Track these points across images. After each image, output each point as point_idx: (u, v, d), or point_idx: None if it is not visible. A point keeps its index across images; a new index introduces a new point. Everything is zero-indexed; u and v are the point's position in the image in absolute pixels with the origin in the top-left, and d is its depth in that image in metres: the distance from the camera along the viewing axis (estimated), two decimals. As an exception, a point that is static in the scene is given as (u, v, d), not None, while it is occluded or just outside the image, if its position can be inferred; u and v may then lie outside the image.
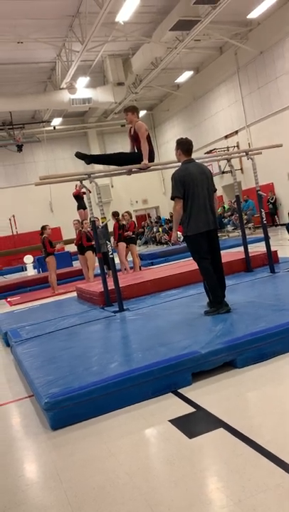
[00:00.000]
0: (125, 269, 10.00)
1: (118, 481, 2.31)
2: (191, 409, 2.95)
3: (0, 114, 18.61)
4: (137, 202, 26.01)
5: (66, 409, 3.03)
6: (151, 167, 5.99)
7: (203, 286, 4.78)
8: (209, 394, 3.14)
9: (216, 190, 4.85)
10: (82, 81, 17.53)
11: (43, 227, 9.96)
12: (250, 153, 6.66)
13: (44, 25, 14.02)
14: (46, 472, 2.59)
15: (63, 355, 4.08)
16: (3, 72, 17.04)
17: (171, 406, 3.06)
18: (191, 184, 4.51)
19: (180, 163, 4.83)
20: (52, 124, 22.22)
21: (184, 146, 4.73)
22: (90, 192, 6.52)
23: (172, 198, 4.62)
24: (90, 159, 5.98)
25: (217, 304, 4.56)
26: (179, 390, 3.25)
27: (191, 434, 2.63)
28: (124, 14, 12.73)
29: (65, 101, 17.94)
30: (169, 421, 2.83)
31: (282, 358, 3.52)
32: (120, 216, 10.12)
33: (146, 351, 3.63)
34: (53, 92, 18.30)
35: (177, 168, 4.79)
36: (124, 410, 3.10)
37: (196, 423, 2.80)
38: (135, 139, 5.78)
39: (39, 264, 15.20)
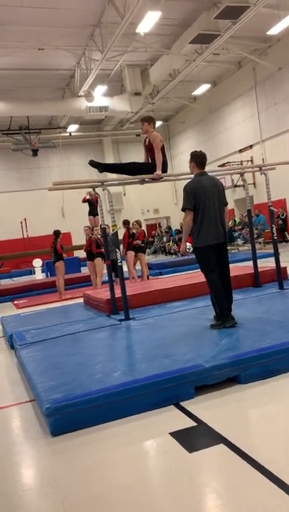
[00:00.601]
0: (133, 278, 10.00)
1: (116, 491, 2.29)
2: (192, 423, 2.93)
3: (17, 118, 18.82)
4: (148, 211, 26.09)
5: (67, 416, 3.02)
6: (164, 178, 6.02)
7: (210, 298, 4.77)
8: (211, 409, 3.12)
9: (227, 203, 4.86)
10: (100, 89, 17.71)
11: (58, 233, 10.05)
12: (263, 168, 6.66)
13: (66, 33, 14.23)
14: (44, 478, 2.57)
15: (67, 361, 4.07)
16: (23, 78, 17.30)
17: (173, 419, 3.03)
18: (203, 197, 4.54)
19: (193, 175, 4.85)
20: (68, 130, 22.43)
21: (198, 159, 4.76)
22: (99, 198, 6.57)
23: (183, 210, 4.64)
24: (103, 168, 6.03)
25: (223, 317, 4.54)
26: (181, 403, 3.22)
27: (191, 448, 2.61)
28: (145, 26, 12.87)
29: (82, 108, 18.13)
30: (170, 434, 2.81)
31: (288, 376, 3.48)
32: (130, 225, 10.16)
33: (149, 362, 3.61)
34: (70, 99, 18.50)
35: (190, 180, 4.81)
36: (125, 420, 3.08)
37: (196, 437, 2.78)
38: (149, 149, 5.81)
39: (48, 268, 15.27)
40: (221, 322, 4.52)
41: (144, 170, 5.88)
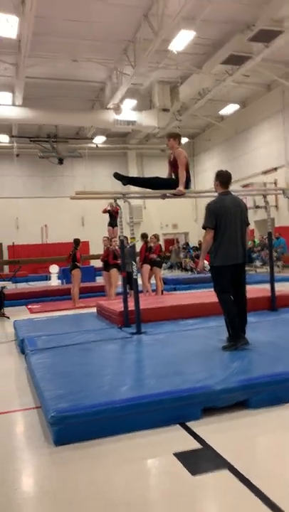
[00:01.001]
0: (147, 292, 9.98)
1: (114, 509, 2.24)
2: (198, 445, 2.87)
3: (46, 126, 19.18)
4: (167, 226, 26.10)
5: (71, 426, 3.00)
6: (186, 194, 6.02)
7: (224, 319, 4.71)
8: (218, 432, 3.05)
9: (249, 223, 4.83)
10: (129, 103, 17.94)
11: (78, 241, 10.15)
12: (287, 191, 6.61)
13: (100, 46, 14.52)
14: (43, 488, 2.55)
15: (76, 371, 4.05)
16: (55, 87, 17.65)
17: (178, 439, 2.98)
18: (224, 216, 4.53)
19: (216, 194, 4.85)
20: (94, 141, 22.73)
21: (223, 179, 4.77)
22: (121, 210, 6.60)
23: (204, 227, 4.64)
24: (127, 181, 6.07)
25: (235, 338, 4.49)
26: (188, 423, 3.17)
27: (194, 471, 2.55)
28: (178, 44, 13.04)
29: (110, 121, 18.38)
30: (174, 454, 2.75)
31: (298, 405, 3.40)
32: (148, 238, 10.18)
33: (159, 378, 3.57)
34: (99, 111, 18.78)
35: (213, 199, 4.80)
36: (129, 436, 3.04)
37: (201, 460, 2.72)
38: (173, 164, 5.84)
39: (64, 275, 15.36)
40: (233, 343, 4.47)
41: (167, 185, 5.90)
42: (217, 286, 4.65)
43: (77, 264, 10.09)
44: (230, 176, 4.82)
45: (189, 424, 3.16)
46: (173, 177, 5.90)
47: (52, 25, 12.92)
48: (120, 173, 6.15)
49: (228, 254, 4.52)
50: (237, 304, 4.67)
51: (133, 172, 24.75)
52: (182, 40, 12.77)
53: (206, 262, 5.04)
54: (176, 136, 5.93)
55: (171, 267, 22.52)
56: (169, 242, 26.00)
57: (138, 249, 9.66)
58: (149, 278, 10.22)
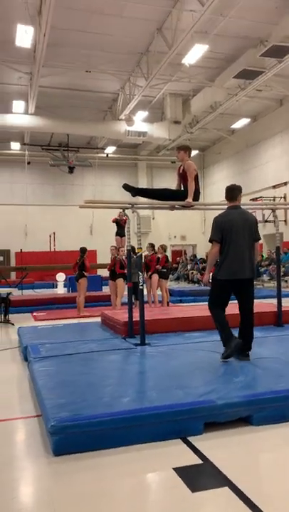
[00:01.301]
0: (153, 302, 9.94)
1: (111, 523, 2.21)
2: (198, 461, 2.82)
3: (58, 135, 19.37)
4: (175, 237, 26.12)
5: (71, 436, 2.96)
6: (195, 206, 6.02)
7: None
8: (219, 448, 3.00)
9: (259, 238, 4.77)
10: (141, 115, 18.08)
11: (84, 250, 10.16)
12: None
13: (113, 58, 14.70)
14: (40, 499, 2.51)
15: (78, 380, 4.03)
16: (68, 97, 17.86)
17: (178, 453, 2.93)
18: (230, 230, 4.53)
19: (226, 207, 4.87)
20: (105, 151, 22.89)
21: (228, 193, 4.79)
22: (129, 220, 6.61)
23: (210, 241, 4.64)
24: (136, 192, 6.08)
25: (227, 343, 4.47)
26: (189, 438, 3.12)
27: (194, 487, 2.50)
28: (191, 57, 13.16)
29: (121, 131, 18.52)
30: (174, 469, 2.71)
31: (302, 423, 3.34)
32: (156, 249, 10.19)
33: (161, 391, 3.53)
34: (111, 122, 18.95)
35: (220, 212, 4.81)
36: (129, 448, 3.00)
37: (201, 476, 2.67)
38: (182, 176, 5.85)
39: (70, 283, 15.37)
40: (227, 348, 4.45)
41: (176, 197, 5.91)
42: (212, 297, 4.63)
43: (85, 273, 10.09)
44: (235, 189, 4.80)
45: (190, 438, 3.11)
46: (182, 188, 5.91)
47: (67, 36, 13.12)
48: (130, 184, 6.17)
49: (232, 268, 4.49)
50: (244, 318, 4.64)
51: (143, 183, 24.87)
52: (195, 53, 12.88)
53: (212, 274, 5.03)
54: (187, 149, 5.95)
55: (177, 279, 22.47)
56: (177, 253, 25.99)
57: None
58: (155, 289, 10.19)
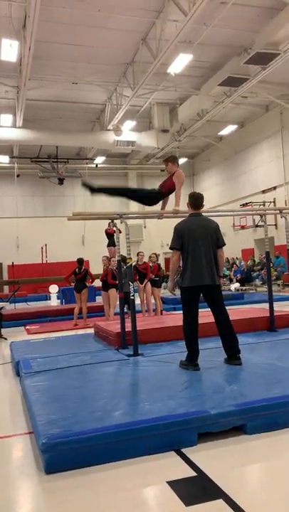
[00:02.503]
0: (146, 311, 9.91)
1: None
2: (192, 473, 2.78)
3: (47, 147, 19.40)
4: (167, 245, 26.09)
5: (63, 453, 2.91)
6: (183, 214, 6.01)
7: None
8: (214, 459, 2.97)
9: (223, 245, 4.79)
10: (129, 124, 18.16)
11: (82, 260, 10.17)
12: (284, 211, 6.62)
13: (100, 69, 14.79)
14: (31, 520, 2.46)
15: (70, 395, 3.98)
16: (56, 109, 17.92)
17: (172, 466, 2.89)
18: (190, 237, 4.57)
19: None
20: (95, 161, 22.95)
21: (194, 201, 4.84)
22: (120, 232, 6.60)
23: (171, 248, 4.73)
24: (95, 189, 5.99)
25: (189, 360, 4.56)
26: (183, 450, 3.08)
27: (188, 501, 2.46)
28: (177, 67, 13.27)
29: (110, 141, 18.58)
30: (167, 482, 2.67)
31: (297, 430, 3.32)
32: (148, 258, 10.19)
33: (153, 403, 3.49)
34: (99, 132, 19.01)
35: (181, 220, 4.87)
36: (122, 463, 2.95)
37: (195, 489, 2.63)
38: (166, 184, 5.83)
39: (63, 295, 15.30)
40: (186, 364, 4.58)
41: (150, 197, 5.92)
42: (184, 306, 4.69)
43: (86, 283, 10.17)
44: (200, 198, 4.87)
45: (184, 450, 3.08)
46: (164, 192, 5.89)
47: (52, 49, 13.19)
48: (88, 182, 6.05)
49: (193, 275, 4.52)
50: (220, 326, 4.65)
51: (133, 191, 24.89)
52: (180, 63, 13.00)
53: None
54: (174, 160, 5.93)
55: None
56: (169, 261, 25.98)
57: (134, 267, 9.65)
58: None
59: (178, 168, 5.89)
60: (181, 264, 4.78)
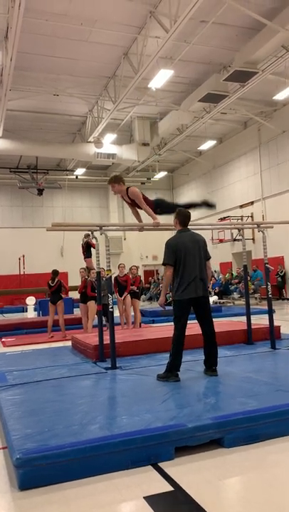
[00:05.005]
0: (125, 324, 9.85)
1: None
2: (169, 488, 2.75)
3: (26, 157, 19.31)
4: (147, 257, 26.17)
5: (37, 469, 2.84)
6: (163, 226, 6.02)
7: (170, 351, 4.78)
8: (191, 473, 2.94)
9: (209, 258, 5.00)
10: (109, 137, 18.26)
11: (57, 272, 10.08)
12: (261, 225, 6.72)
13: (81, 82, 14.88)
14: (4, 539, 2.38)
15: (46, 408, 3.90)
16: (37, 120, 17.89)
17: (149, 481, 2.85)
18: (183, 252, 4.70)
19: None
20: (75, 173, 22.94)
21: (182, 218, 4.95)
22: (97, 242, 6.56)
23: (164, 264, 4.78)
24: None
25: (170, 372, 4.63)
26: (160, 464, 3.05)
27: (165, 516, 2.43)
28: (157, 82, 13.45)
29: (90, 154, 18.63)
30: (144, 498, 2.63)
31: (274, 442, 3.32)
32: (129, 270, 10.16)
33: (130, 416, 3.46)
34: (80, 144, 19.05)
35: (172, 236, 4.95)
36: (98, 478, 2.90)
37: (172, 505, 2.60)
38: (135, 204, 5.78)
39: (40, 306, 15.10)
40: (167, 376, 4.61)
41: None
42: (176, 318, 4.78)
43: (61, 294, 10.08)
44: (189, 216, 5.01)
45: (162, 464, 3.04)
46: (138, 214, 5.94)
47: (34, 60, 13.22)
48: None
49: (187, 288, 4.65)
50: (206, 337, 4.81)
51: (113, 204, 24.95)
52: (161, 78, 13.19)
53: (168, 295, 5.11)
54: (119, 180, 5.78)
55: (150, 299, 22.42)
56: (149, 273, 26.00)
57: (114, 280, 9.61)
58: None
59: (125, 186, 5.77)
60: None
